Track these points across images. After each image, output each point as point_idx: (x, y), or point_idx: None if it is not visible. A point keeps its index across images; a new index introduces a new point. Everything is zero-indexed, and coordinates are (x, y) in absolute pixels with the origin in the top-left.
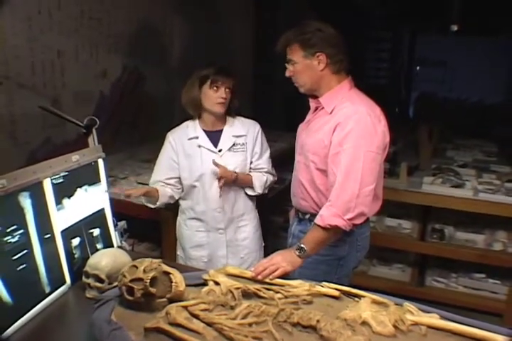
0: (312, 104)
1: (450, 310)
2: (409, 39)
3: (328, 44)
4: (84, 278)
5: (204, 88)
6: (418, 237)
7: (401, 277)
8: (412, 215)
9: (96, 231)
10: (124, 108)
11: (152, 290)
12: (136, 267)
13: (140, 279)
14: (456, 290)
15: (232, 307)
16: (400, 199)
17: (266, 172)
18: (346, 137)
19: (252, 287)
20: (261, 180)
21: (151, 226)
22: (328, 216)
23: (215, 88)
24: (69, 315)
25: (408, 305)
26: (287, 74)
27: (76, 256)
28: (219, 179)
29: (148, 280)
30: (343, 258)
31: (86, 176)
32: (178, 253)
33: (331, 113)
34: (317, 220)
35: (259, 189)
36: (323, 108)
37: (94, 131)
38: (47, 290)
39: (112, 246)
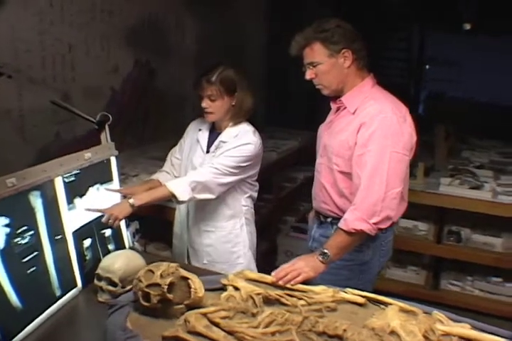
0: (333, 105)
1: (465, 314)
2: (420, 37)
3: (351, 39)
4: (96, 281)
5: None
6: (434, 239)
7: (415, 280)
8: (428, 217)
9: (108, 232)
10: (135, 104)
11: (169, 296)
12: (153, 272)
13: (157, 284)
14: (472, 294)
15: (254, 315)
16: (416, 201)
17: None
18: (371, 138)
19: (274, 293)
20: (182, 185)
21: (161, 226)
22: (353, 220)
23: (200, 98)
24: (80, 319)
25: (437, 313)
26: (308, 77)
27: (87, 257)
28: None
29: (166, 286)
30: (365, 263)
31: (98, 174)
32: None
33: (353, 113)
34: (341, 224)
35: (185, 196)
36: (345, 108)
37: (106, 127)
38: (57, 293)
39: (124, 247)
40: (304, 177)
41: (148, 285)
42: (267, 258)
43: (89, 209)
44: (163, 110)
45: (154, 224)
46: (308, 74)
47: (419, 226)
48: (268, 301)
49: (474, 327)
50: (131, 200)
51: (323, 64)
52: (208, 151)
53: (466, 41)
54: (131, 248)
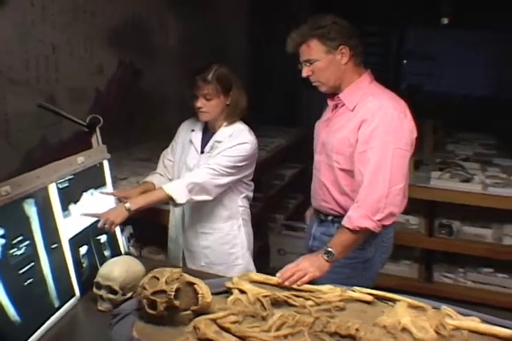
0: (331, 102)
1: (460, 305)
2: (399, 32)
3: (348, 36)
4: (95, 290)
5: None
6: (426, 233)
7: (408, 273)
8: (419, 210)
9: (103, 238)
10: (120, 105)
11: (176, 303)
12: (157, 278)
13: (163, 291)
14: (465, 286)
15: (264, 318)
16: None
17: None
18: (372, 134)
19: (281, 294)
20: (179, 187)
21: (154, 229)
22: (357, 218)
23: (195, 98)
24: (81, 329)
25: (446, 308)
26: (305, 74)
27: (84, 265)
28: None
29: (173, 293)
30: (368, 260)
31: (91, 179)
32: None
33: (352, 110)
34: (345, 222)
35: (183, 198)
36: (343, 105)
37: (97, 130)
38: (56, 304)
39: (120, 252)
40: (291, 174)
41: (154, 293)
42: (259, 257)
43: (85, 214)
44: (148, 111)
45: (147, 227)
46: (305, 72)
47: (410, 220)
48: (276, 303)
49: (484, 321)
50: (127, 204)
51: (321, 61)
52: (202, 152)
53: (444, 35)
54: (127, 253)
